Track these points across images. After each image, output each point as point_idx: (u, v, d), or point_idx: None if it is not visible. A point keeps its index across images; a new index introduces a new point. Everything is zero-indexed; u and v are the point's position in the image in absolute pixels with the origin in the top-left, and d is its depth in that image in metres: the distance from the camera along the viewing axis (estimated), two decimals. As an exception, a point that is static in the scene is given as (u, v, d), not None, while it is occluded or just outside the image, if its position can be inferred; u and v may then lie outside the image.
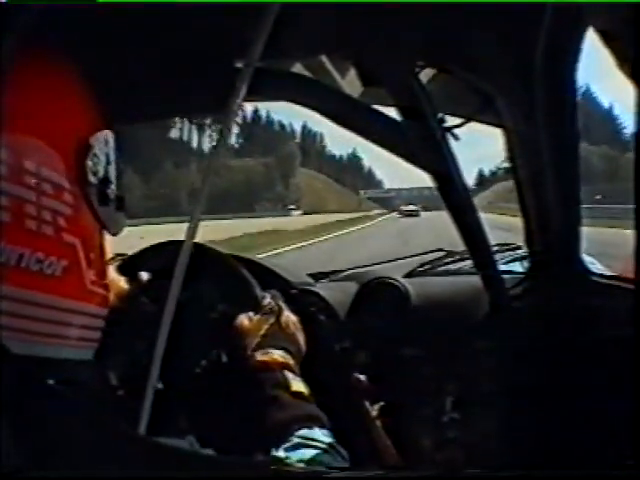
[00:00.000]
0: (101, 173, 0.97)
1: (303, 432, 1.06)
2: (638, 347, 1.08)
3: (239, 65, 1.15)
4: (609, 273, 1.80)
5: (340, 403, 1.44)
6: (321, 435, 1.06)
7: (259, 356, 1.24)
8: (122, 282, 1.37)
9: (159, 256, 1.60)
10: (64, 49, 0.95)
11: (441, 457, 1.91)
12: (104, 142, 0.99)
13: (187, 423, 1.28)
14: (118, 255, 1.57)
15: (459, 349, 1.93)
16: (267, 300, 1.40)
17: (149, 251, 1.67)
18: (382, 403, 1.88)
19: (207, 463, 0.85)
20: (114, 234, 1.05)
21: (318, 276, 2.40)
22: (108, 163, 0.99)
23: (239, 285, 1.51)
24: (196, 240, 1.06)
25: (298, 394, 1.17)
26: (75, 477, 0.67)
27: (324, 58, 1.54)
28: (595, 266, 1.81)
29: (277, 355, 1.25)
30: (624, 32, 0.97)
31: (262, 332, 1.30)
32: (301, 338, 1.37)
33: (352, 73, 1.57)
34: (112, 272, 1.28)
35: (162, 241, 1.68)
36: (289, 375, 1.21)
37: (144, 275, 1.41)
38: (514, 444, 1.67)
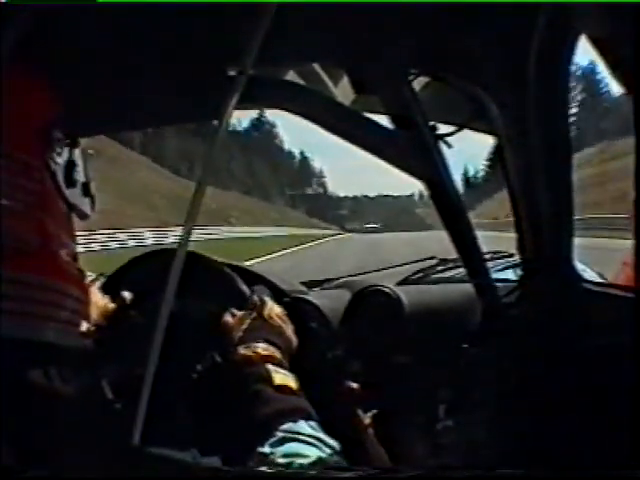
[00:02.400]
0: (66, 155, 0.98)
1: (287, 426, 1.04)
2: (633, 353, 1.09)
3: (232, 72, 1.15)
4: (601, 280, 1.80)
5: (332, 411, 1.44)
6: (306, 427, 1.05)
7: (242, 350, 1.24)
8: (107, 302, 1.40)
9: (148, 266, 1.60)
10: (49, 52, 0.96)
11: (434, 464, 1.91)
12: (69, 125, 1.00)
13: (177, 426, 1.27)
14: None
15: (452, 356, 1.93)
16: (251, 295, 1.41)
17: (138, 261, 1.68)
18: (375, 411, 1.87)
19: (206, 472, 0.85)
20: (82, 218, 1.06)
21: (311, 284, 2.40)
22: (74, 146, 1.01)
23: (224, 284, 1.52)
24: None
25: (282, 387, 1.16)
26: (75, 477, 0.67)
27: (317, 66, 1.54)
28: (587, 273, 1.81)
29: (260, 348, 1.24)
30: (616, 37, 0.98)
31: (244, 326, 1.30)
32: (288, 329, 1.37)
33: (345, 81, 1.57)
34: (97, 293, 1.30)
35: (151, 251, 1.68)
36: (272, 368, 1.20)
37: (127, 294, 1.43)
38: (508, 451, 1.67)
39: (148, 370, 1.00)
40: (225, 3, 1.06)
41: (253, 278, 1.76)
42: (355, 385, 1.86)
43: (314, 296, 2.11)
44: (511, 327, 1.79)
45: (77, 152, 1.02)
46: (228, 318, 1.35)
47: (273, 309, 1.37)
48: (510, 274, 2.09)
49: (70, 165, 0.99)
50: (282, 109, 1.46)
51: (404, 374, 2.02)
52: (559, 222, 1.58)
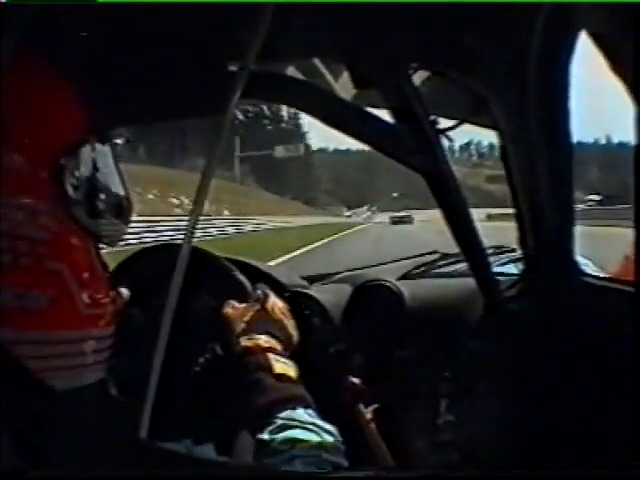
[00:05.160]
0: (85, 185, 0.89)
1: (286, 413, 1.05)
2: (635, 348, 1.09)
3: (233, 68, 1.15)
4: (603, 274, 1.80)
5: (334, 406, 1.44)
6: (305, 415, 1.06)
7: (243, 342, 1.25)
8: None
9: (154, 259, 1.60)
10: (49, 50, 0.91)
11: (436, 459, 1.91)
12: (88, 149, 0.91)
13: (179, 417, 1.28)
14: None
15: (453, 351, 1.93)
16: (254, 289, 1.42)
17: (143, 254, 1.68)
18: (376, 405, 1.88)
19: (205, 465, 0.85)
20: (111, 245, 1.00)
21: (312, 279, 2.40)
22: (95, 170, 0.91)
23: (225, 278, 1.53)
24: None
25: (281, 376, 1.17)
26: (75, 477, 0.67)
27: (317, 61, 1.54)
28: (589, 267, 1.81)
29: (261, 340, 1.25)
30: (617, 34, 0.97)
31: (247, 319, 1.31)
32: (290, 323, 1.38)
33: (345, 76, 1.57)
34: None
35: (156, 244, 1.69)
36: (272, 357, 1.20)
37: (124, 292, 1.38)
38: (509, 446, 1.67)
39: (154, 365, 1.01)
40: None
41: (253, 272, 1.76)
42: (356, 380, 1.87)
43: (315, 291, 2.11)
44: (513, 322, 1.79)
45: (101, 175, 0.93)
46: (230, 310, 1.36)
47: (276, 303, 1.38)
48: (512, 268, 2.09)
49: (91, 194, 0.90)
50: (283, 104, 1.46)
51: (405, 369, 2.03)
52: (560, 216, 1.58)
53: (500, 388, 1.76)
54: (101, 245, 0.97)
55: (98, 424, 0.76)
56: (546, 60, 1.27)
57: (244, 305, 1.37)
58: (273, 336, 1.28)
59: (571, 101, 1.36)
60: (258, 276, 1.73)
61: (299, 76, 1.56)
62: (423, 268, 2.45)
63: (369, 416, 1.82)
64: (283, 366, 1.20)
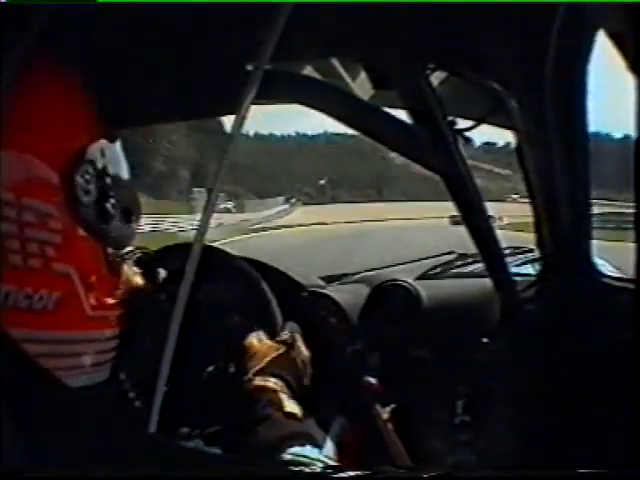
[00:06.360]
0: (96, 189, 0.90)
1: (295, 450, 1.05)
2: None
3: (249, 67, 1.15)
4: (620, 275, 1.79)
5: (352, 405, 1.44)
6: (313, 452, 1.06)
7: (257, 380, 1.24)
8: (138, 277, 1.28)
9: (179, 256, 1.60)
10: (62, 53, 0.91)
11: (452, 460, 1.91)
12: (98, 153, 0.91)
13: (188, 422, 1.28)
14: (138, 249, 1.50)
15: (470, 351, 1.92)
16: (285, 330, 1.39)
17: (172, 249, 1.67)
18: (394, 405, 1.88)
19: (212, 462, 0.85)
20: (121, 249, 1.01)
21: (329, 279, 2.40)
22: (105, 175, 0.92)
23: (260, 305, 1.51)
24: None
25: (291, 415, 1.17)
26: (75, 477, 0.67)
27: (335, 61, 1.55)
28: (606, 268, 1.80)
29: (273, 383, 1.24)
30: (634, 32, 0.97)
31: (268, 358, 1.29)
32: (308, 374, 1.35)
33: (363, 76, 1.57)
34: (129, 267, 1.24)
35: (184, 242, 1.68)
36: (283, 397, 1.20)
37: (162, 272, 1.36)
38: (525, 446, 1.66)
39: (164, 362, 1.02)
40: None
41: (273, 273, 1.76)
42: (374, 380, 1.87)
43: (332, 290, 2.12)
44: (529, 322, 1.78)
45: (112, 180, 0.93)
46: (255, 341, 1.34)
47: (300, 352, 1.35)
48: (529, 269, 2.08)
49: (102, 198, 0.90)
50: (300, 103, 1.46)
51: (423, 369, 2.02)
52: (578, 217, 1.57)
53: (517, 388, 1.76)
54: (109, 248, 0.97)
55: (106, 420, 0.77)
56: (563, 60, 1.27)
57: (270, 343, 1.35)
58: (287, 384, 1.27)
59: (588, 101, 1.36)
60: (276, 276, 1.73)
61: (317, 76, 1.56)
62: (440, 268, 2.45)
63: (386, 416, 1.82)
64: (293, 406, 1.19)
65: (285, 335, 1.37)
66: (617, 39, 1.04)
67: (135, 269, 1.26)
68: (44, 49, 0.80)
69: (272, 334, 1.38)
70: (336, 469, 1.01)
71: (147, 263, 1.46)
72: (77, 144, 0.88)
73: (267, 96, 1.14)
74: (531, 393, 1.69)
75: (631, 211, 0.96)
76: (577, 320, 1.59)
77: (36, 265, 0.83)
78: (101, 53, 1.08)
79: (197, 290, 1.06)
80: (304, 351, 1.37)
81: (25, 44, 0.73)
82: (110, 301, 0.96)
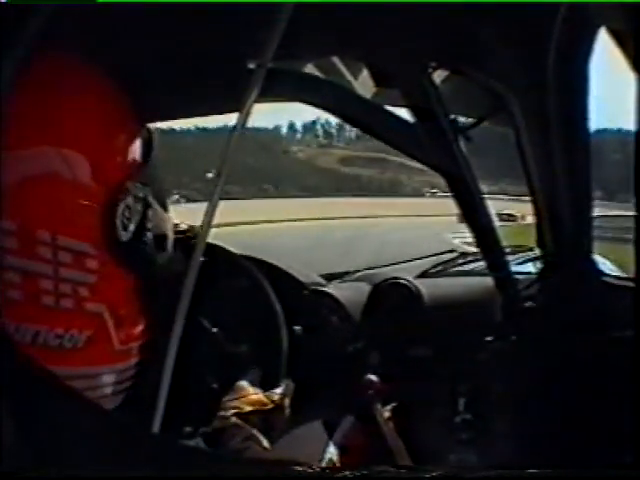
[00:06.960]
0: (135, 223, 0.86)
1: None
2: None
3: (252, 66, 1.15)
4: (620, 273, 1.80)
5: (353, 404, 1.44)
6: None
7: (233, 419, 1.23)
8: None
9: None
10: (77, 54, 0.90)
11: (454, 458, 1.91)
12: (140, 185, 0.87)
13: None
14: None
15: (471, 350, 1.92)
16: (280, 388, 1.38)
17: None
18: (395, 404, 1.88)
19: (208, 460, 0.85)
20: (154, 277, 0.97)
21: (330, 277, 2.40)
22: (146, 206, 0.87)
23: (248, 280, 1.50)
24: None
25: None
26: (75, 477, 0.66)
27: (337, 59, 1.55)
28: (606, 266, 1.80)
29: (248, 427, 1.23)
30: (636, 30, 0.97)
31: (252, 408, 1.28)
32: (279, 435, 1.35)
33: (365, 74, 1.57)
34: None
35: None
36: (258, 433, 1.20)
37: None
38: (529, 445, 1.66)
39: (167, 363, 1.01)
40: None
41: (274, 272, 1.76)
42: (375, 378, 1.87)
43: (333, 288, 2.11)
44: (530, 320, 1.78)
45: (151, 209, 0.89)
46: (246, 386, 1.34)
47: (283, 417, 1.33)
48: (530, 268, 2.08)
49: (140, 231, 0.87)
50: (303, 102, 1.46)
51: (424, 367, 2.02)
52: (579, 216, 1.58)
53: (518, 386, 1.76)
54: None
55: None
56: (565, 58, 1.27)
57: (260, 396, 1.33)
58: (261, 430, 1.24)
59: (589, 99, 1.36)
60: (277, 274, 1.73)
61: (319, 74, 1.56)
62: (441, 267, 2.45)
63: (387, 414, 1.82)
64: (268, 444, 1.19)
65: (276, 395, 1.35)
66: (619, 37, 1.04)
67: None
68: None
69: (269, 380, 1.38)
70: (336, 469, 1.00)
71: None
72: (119, 173, 0.85)
73: (270, 94, 1.14)
74: (532, 392, 1.69)
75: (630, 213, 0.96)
76: (578, 318, 1.59)
77: (68, 306, 0.81)
78: (111, 53, 1.08)
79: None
80: (287, 413, 1.35)
81: (25, 44, 0.72)
82: (137, 331, 0.94)
